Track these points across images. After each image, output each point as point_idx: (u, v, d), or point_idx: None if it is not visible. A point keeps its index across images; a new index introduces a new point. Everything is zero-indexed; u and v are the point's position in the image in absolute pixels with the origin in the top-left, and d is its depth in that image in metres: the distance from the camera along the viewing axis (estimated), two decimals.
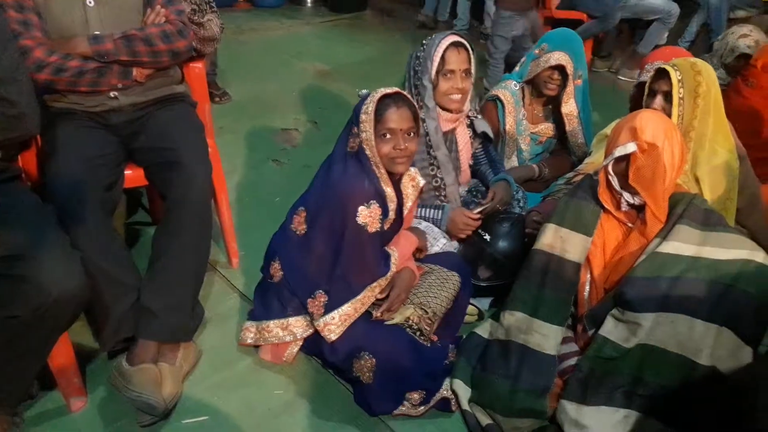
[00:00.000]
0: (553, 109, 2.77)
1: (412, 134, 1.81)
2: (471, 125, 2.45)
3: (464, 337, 2.05)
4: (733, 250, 1.68)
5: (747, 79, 2.87)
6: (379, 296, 1.84)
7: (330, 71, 4.67)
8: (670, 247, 1.71)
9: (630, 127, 1.76)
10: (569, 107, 2.66)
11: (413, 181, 1.99)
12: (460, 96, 2.25)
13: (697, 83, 2.16)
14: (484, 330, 2.03)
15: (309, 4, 6.64)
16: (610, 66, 5.00)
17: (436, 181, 2.33)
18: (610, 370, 1.69)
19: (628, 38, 5.14)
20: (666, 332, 1.63)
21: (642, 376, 1.64)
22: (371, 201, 1.74)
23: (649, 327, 1.65)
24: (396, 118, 1.76)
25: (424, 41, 2.29)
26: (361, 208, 1.73)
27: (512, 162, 2.79)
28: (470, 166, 2.50)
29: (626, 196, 1.81)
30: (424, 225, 2.23)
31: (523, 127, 2.76)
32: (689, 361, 1.61)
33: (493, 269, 2.27)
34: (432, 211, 2.27)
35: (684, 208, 1.77)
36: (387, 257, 1.85)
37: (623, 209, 1.84)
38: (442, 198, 2.34)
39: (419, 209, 2.26)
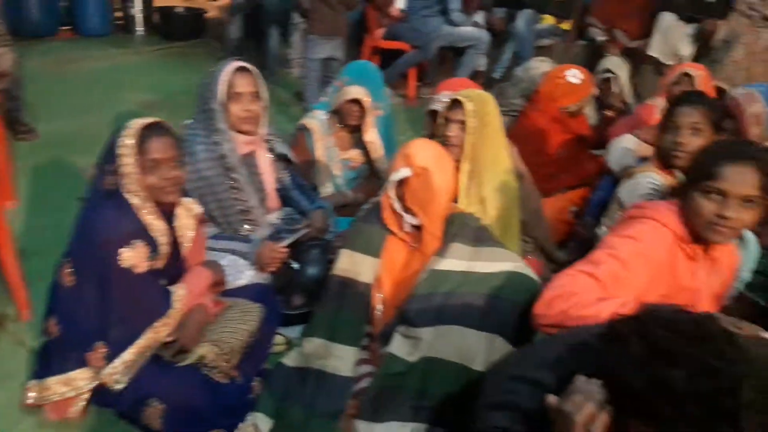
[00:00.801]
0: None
1: (177, 162, 1.79)
2: (271, 149, 2.49)
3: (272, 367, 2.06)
4: (500, 263, 1.84)
5: (534, 104, 3.19)
6: (168, 338, 1.79)
7: (156, 102, 4.52)
8: (445, 264, 1.84)
9: (403, 154, 1.88)
10: (370, 136, 2.79)
11: (189, 210, 1.96)
12: (251, 117, 2.28)
13: (485, 113, 2.35)
14: (290, 359, 2.04)
15: (140, 33, 6.42)
16: (433, 92, 5.29)
17: (240, 205, 2.33)
18: (398, 385, 1.76)
19: (450, 66, 5.48)
20: (444, 344, 1.75)
21: (426, 388, 1.74)
22: (133, 241, 1.69)
23: (429, 340, 1.75)
24: (160, 147, 1.74)
25: (210, 69, 2.32)
26: (122, 249, 1.67)
27: (327, 188, 2.86)
28: (279, 191, 2.53)
29: (407, 217, 1.92)
30: (228, 258, 2.21)
31: (334, 154, 2.85)
32: (466, 369, 1.73)
33: (304, 297, 2.30)
34: (238, 243, 2.26)
35: (458, 228, 1.91)
36: (168, 295, 1.80)
37: (406, 230, 1.96)
38: (249, 222, 2.34)
39: (223, 241, 2.24)
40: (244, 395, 1.88)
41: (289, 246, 2.28)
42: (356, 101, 2.71)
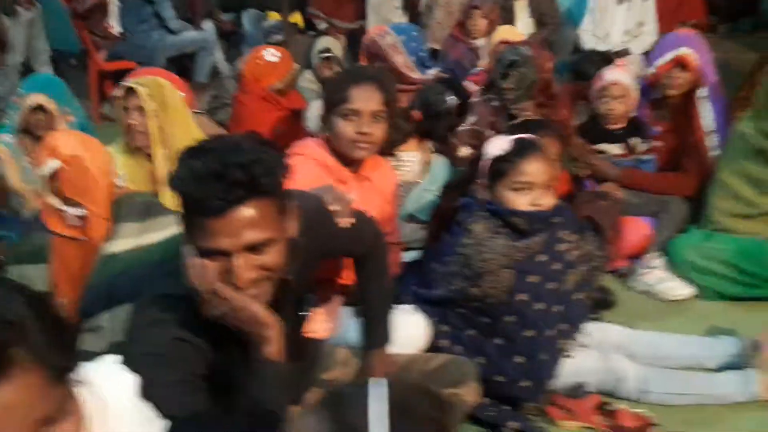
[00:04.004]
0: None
1: None
2: None
3: None
4: (168, 229, 1.84)
5: (242, 88, 3.26)
6: None
7: None
8: (114, 246, 1.81)
9: (47, 148, 1.81)
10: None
11: None
12: None
13: (163, 96, 2.35)
14: None
15: None
16: None
17: None
18: None
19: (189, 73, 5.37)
20: (122, 324, 1.70)
21: None
22: None
23: (109, 326, 1.71)
24: None
25: None
26: None
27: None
28: None
29: (70, 210, 1.84)
30: None
31: (33, 175, 2.67)
32: None
33: None
34: None
35: (125, 207, 1.88)
36: None
37: (72, 225, 1.86)
38: None
39: None
40: None
41: None
42: (39, 108, 2.59)
